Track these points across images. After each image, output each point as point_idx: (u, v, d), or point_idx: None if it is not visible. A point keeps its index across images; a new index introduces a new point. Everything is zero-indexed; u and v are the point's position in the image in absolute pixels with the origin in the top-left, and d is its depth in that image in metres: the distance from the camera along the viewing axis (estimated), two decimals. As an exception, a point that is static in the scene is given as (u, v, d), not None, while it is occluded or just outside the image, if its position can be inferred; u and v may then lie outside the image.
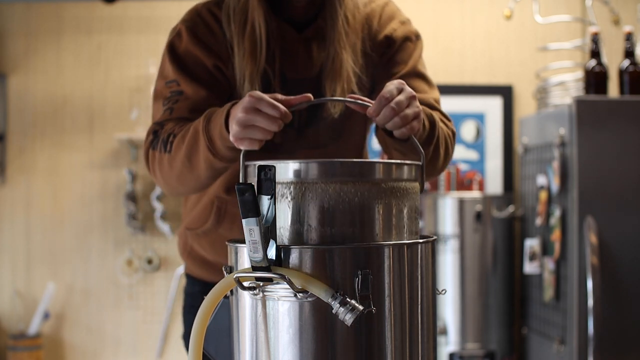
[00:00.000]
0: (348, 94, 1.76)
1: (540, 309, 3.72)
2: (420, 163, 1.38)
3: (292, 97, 1.45)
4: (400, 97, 1.44)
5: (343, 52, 1.76)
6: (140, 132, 4.33)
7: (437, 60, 4.38)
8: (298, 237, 1.27)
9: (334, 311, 1.20)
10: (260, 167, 1.23)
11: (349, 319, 1.19)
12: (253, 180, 1.30)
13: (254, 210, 1.20)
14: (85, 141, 4.45)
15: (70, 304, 4.42)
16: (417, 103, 1.48)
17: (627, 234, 3.26)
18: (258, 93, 1.42)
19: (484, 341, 3.89)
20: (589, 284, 3.16)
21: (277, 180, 1.27)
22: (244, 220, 1.21)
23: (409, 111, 1.45)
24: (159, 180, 1.75)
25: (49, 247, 4.43)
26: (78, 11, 4.46)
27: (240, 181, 1.37)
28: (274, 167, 1.23)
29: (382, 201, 1.29)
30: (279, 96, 1.44)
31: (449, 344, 3.86)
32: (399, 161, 1.33)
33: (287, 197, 1.28)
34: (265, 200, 1.22)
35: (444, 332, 3.85)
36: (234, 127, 1.44)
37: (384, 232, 1.29)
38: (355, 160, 1.31)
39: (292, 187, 1.27)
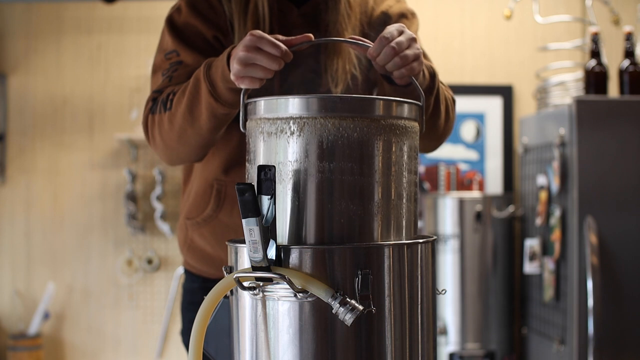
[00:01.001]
0: (348, 74, 1.77)
1: (540, 309, 3.72)
2: (420, 104, 1.38)
3: (293, 37, 1.45)
4: (401, 38, 1.46)
5: (345, 34, 1.78)
6: (141, 132, 4.33)
7: (437, 60, 4.35)
8: (297, 174, 1.27)
9: (334, 311, 1.20)
10: (260, 167, 1.23)
11: (348, 319, 1.19)
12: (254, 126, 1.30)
13: (254, 210, 1.20)
14: (85, 141, 4.45)
15: (70, 304, 4.42)
16: (418, 45, 1.49)
17: (627, 234, 3.26)
18: (259, 32, 1.43)
19: (484, 341, 3.89)
20: (589, 284, 3.16)
21: (277, 116, 1.28)
22: (244, 220, 1.21)
23: (409, 52, 1.46)
24: (157, 146, 1.74)
25: (49, 247, 4.43)
26: (78, 11, 4.46)
27: (241, 120, 1.38)
28: (274, 167, 1.23)
29: (382, 137, 1.29)
30: (280, 37, 1.45)
31: (449, 344, 3.86)
32: (399, 99, 1.33)
33: (286, 133, 1.28)
34: (265, 200, 1.22)
35: (444, 332, 3.85)
36: (234, 66, 1.44)
37: (383, 168, 1.29)
38: (355, 95, 1.32)
39: (291, 122, 1.28)
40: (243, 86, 1.44)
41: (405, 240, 1.32)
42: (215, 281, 1.89)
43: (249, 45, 1.42)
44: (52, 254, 4.43)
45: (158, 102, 1.71)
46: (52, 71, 4.46)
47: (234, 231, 1.81)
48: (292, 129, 1.27)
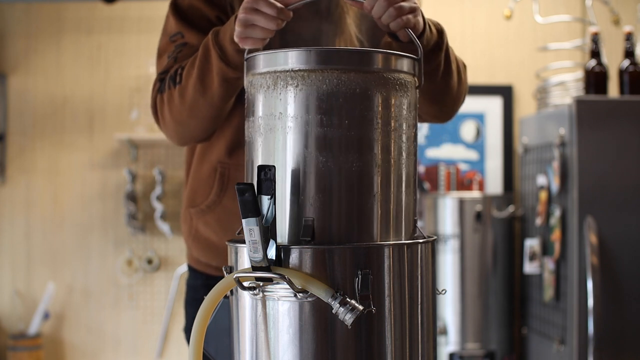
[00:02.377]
0: None
1: (540, 309, 3.72)
2: (417, 57, 1.39)
3: None
4: None
5: (347, 17, 1.79)
6: (140, 132, 4.33)
7: (437, 60, 4.38)
8: (295, 126, 1.27)
9: (334, 311, 1.20)
10: (260, 167, 1.23)
11: (348, 319, 1.19)
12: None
13: (254, 210, 1.20)
14: (85, 141, 4.45)
15: (70, 304, 4.42)
16: (415, 0, 1.53)
17: (627, 234, 3.26)
18: None
19: (484, 341, 3.89)
20: (589, 284, 3.16)
21: (276, 69, 1.29)
22: (244, 220, 1.21)
23: (405, 4, 1.50)
24: (168, 125, 1.75)
25: (49, 247, 4.43)
26: (78, 11, 4.46)
27: (245, 81, 1.39)
28: (274, 167, 1.23)
29: (380, 90, 1.29)
30: None
31: (449, 344, 3.86)
32: (398, 52, 1.33)
33: (284, 86, 1.28)
34: (265, 200, 1.22)
35: (444, 332, 3.85)
36: (236, 28, 1.49)
37: (382, 120, 1.30)
38: (353, 48, 1.33)
39: (289, 75, 1.28)
40: (246, 47, 1.47)
41: (405, 236, 1.32)
42: (218, 278, 1.89)
43: (247, 7, 1.47)
44: (52, 254, 4.43)
45: (166, 80, 1.72)
46: (52, 71, 4.46)
47: (238, 217, 1.81)
48: (290, 82, 1.28)
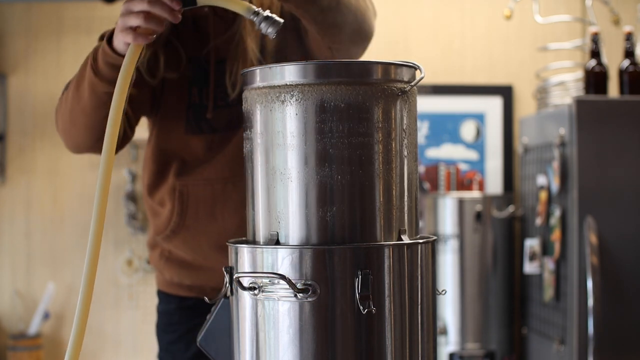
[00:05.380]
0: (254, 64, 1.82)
1: (540, 309, 3.72)
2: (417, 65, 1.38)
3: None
4: None
5: (247, 39, 1.81)
6: (140, 132, 4.32)
7: (437, 60, 4.38)
8: (294, 141, 1.27)
9: (256, 27, 1.38)
10: None
11: (271, 31, 1.34)
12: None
13: None
14: (85, 141, 4.45)
15: (70, 304, 4.42)
16: None
17: (627, 234, 3.26)
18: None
19: (484, 341, 3.89)
20: (589, 284, 3.16)
21: (273, 83, 1.30)
22: None
23: None
24: (59, 130, 1.77)
25: (49, 247, 4.43)
26: (78, 11, 4.46)
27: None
28: None
29: (380, 101, 1.29)
30: None
31: (449, 344, 3.86)
32: (396, 62, 1.33)
33: (282, 101, 1.28)
34: None
35: (444, 332, 3.85)
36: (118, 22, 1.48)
37: (383, 129, 1.30)
38: (352, 60, 1.36)
39: (280, 90, 1.29)
40: (128, 40, 1.45)
41: (408, 236, 1.32)
42: (191, 299, 1.90)
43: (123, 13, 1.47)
44: (52, 254, 4.43)
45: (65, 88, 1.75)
46: (52, 71, 4.46)
47: (204, 236, 1.83)
48: (289, 96, 1.28)
